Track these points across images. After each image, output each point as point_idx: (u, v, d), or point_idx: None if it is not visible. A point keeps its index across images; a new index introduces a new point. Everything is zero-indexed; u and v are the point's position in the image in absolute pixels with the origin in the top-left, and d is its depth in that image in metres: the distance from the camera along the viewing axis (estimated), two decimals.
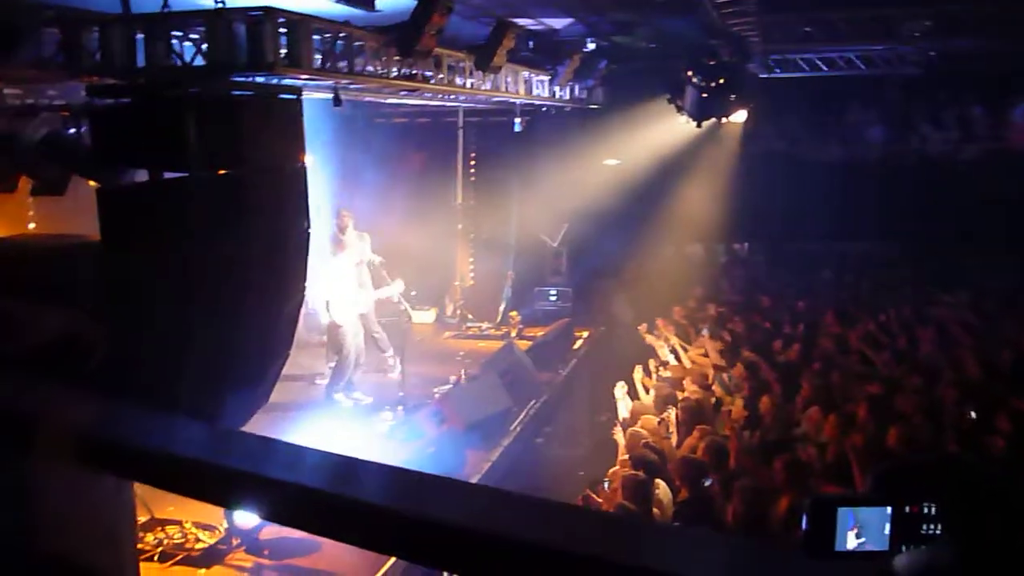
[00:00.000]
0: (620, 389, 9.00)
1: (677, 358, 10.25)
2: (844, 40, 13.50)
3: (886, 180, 14.78)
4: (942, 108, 15.28)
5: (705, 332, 10.92)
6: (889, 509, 0.78)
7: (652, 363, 10.24)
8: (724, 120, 13.26)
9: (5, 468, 1.29)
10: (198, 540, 6.69)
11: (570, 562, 0.93)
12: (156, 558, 6.42)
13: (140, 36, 6.33)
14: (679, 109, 12.76)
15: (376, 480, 1.17)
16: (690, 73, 11.81)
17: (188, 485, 1.26)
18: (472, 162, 14.96)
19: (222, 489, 1.22)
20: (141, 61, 6.35)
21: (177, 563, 6.43)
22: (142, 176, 5.93)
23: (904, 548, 0.78)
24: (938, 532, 0.78)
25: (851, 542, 0.78)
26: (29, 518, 1.38)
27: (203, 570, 6.41)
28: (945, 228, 14.08)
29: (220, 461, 1.22)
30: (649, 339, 10.92)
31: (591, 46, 12.93)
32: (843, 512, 0.78)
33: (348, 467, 1.20)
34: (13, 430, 1.21)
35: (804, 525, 0.80)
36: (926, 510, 0.78)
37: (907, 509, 0.78)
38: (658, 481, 6.43)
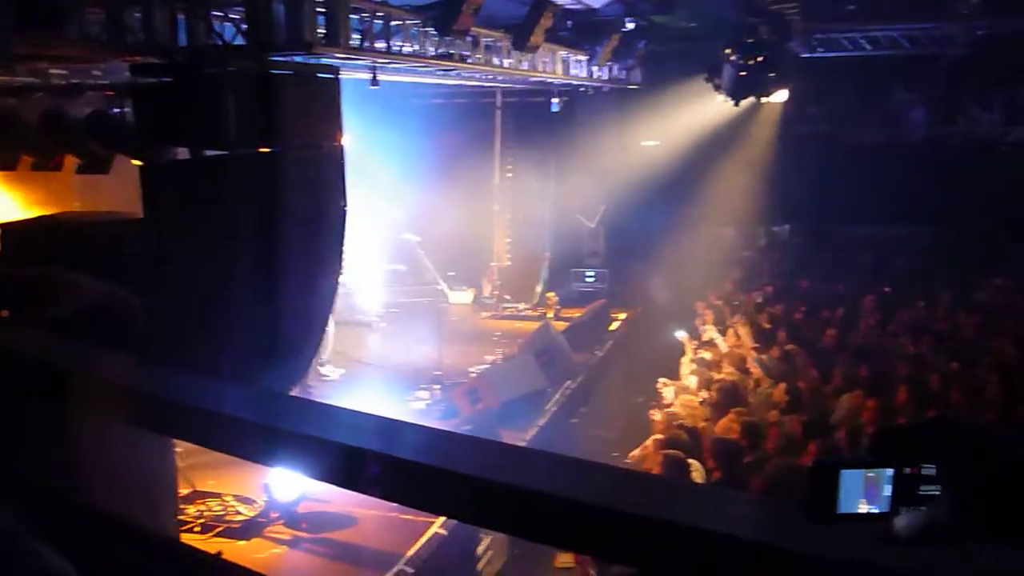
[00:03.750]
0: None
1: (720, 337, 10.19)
2: (889, 18, 13.21)
3: (930, 163, 14.46)
4: (989, 90, 14.88)
5: (741, 316, 10.84)
6: (890, 471, 0.79)
7: (690, 346, 10.18)
8: (764, 100, 13.06)
9: (56, 423, 1.33)
10: (238, 513, 6.82)
11: (599, 515, 0.94)
12: (197, 529, 6.55)
13: (181, 16, 6.40)
14: (717, 88, 12.60)
15: (419, 441, 1.19)
16: (728, 51, 11.66)
17: (230, 443, 1.29)
18: (509, 143, 14.94)
19: (265, 447, 1.25)
20: (183, 40, 6.41)
21: (217, 534, 6.55)
22: (184, 154, 6.03)
23: (904, 510, 0.79)
24: (936, 493, 0.79)
25: (853, 505, 0.80)
26: (76, 472, 1.42)
27: (242, 542, 6.52)
28: (989, 212, 13.76)
29: (263, 420, 1.24)
30: (697, 322, 10.91)
31: (630, 26, 12.79)
32: (845, 475, 0.79)
33: (390, 428, 1.23)
34: (62, 386, 1.24)
35: (806, 489, 0.81)
36: (925, 471, 0.79)
37: (907, 471, 0.79)
38: (692, 462, 6.41)
